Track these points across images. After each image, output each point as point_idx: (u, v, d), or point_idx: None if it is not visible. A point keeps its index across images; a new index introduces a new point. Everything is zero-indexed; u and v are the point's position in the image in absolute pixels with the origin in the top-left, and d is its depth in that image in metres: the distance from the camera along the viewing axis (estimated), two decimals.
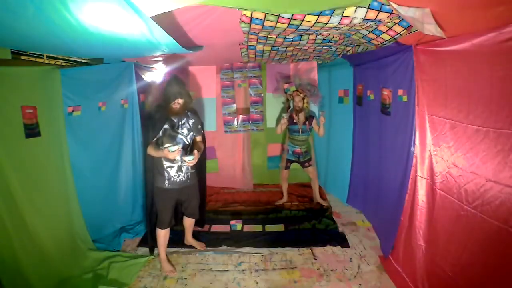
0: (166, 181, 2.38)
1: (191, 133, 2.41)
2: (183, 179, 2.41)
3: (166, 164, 2.36)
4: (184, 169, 2.39)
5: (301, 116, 3.36)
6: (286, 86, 3.47)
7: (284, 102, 3.61)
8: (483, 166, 1.57)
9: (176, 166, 2.37)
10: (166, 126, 2.32)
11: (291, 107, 3.47)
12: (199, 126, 2.48)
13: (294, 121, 3.40)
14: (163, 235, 2.49)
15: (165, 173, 2.37)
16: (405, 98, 2.34)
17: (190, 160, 2.22)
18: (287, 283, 2.33)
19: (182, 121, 2.38)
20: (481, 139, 1.58)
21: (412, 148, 2.21)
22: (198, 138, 2.50)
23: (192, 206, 2.60)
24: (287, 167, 3.65)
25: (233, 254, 2.71)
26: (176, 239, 2.95)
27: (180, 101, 2.25)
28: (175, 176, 2.38)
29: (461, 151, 1.74)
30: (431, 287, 2.00)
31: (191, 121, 2.42)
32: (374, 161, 3.06)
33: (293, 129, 3.44)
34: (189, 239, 2.83)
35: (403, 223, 2.37)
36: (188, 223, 2.74)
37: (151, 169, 2.45)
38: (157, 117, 2.33)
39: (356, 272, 2.44)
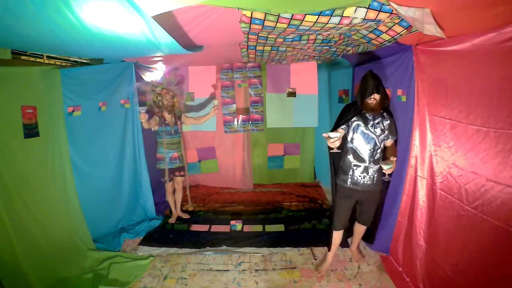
0: (349, 180, 2.24)
1: (383, 135, 2.19)
2: (367, 182, 2.21)
3: (353, 162, 2.21)
4: (370, 171, 2.19)
5: (172, 117, 3.12)
6: (154, 83, 3.18)
7: (152, 102, 3.13)
8: (484, 166, 1.57)
9: (363, 166, 2.19)
10: (358, 122, 2.18)
11: (161, 107, 3.09)
12: (395, 129, 2.25)
13: (166, 122, 3.08)
14: (335, 236, 2.41)
15: (350, 171, 2.23)
16: (403, 98, 2.34)
17: (389, 168, 2.00)
18: (287, 283, 2.33)
19: (377, 120, 2.17)
20: (481, 139, 1.58)
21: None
22: (391, 142, 2.25)
23: (367, 213, 2.38)
24: (171, 179, 3.20)
25: (233, 254, 2.71)
26: (176, 239, 2.96)
27: (377, 96, 2.07)
28: (359, 176, 2.21)
29: (461, 151, 1.74)
30: (432, 287, 2.00)
31: (385, 122, 2.19)
32: None
33: (166, 131, 3.08)
34: (352, 248, 2.66)
35: (400, 223, 2.38)
36: (359, 230, 2.52)
37: (335, 165, 2.42)
38: (351, 111, 2.22)
39: (356, 272, 2.44)
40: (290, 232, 3.07)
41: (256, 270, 2.49)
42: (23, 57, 2.40)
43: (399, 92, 2.39)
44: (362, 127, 2.17)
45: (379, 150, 2.20)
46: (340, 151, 2.20)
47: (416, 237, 2.16)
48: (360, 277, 2.37)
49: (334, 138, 2.00)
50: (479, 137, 1.60)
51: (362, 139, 2.18)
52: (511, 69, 1.38)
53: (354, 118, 2.21)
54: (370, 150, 2.17)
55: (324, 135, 2.03)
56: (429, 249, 2.06)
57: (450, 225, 1.84)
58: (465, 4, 1.32)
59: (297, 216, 3.39)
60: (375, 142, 2.17)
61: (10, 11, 1.19)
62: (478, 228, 1.61)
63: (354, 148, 2.21)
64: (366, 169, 2.19)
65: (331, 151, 2.15)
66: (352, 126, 2.21)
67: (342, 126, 2.23)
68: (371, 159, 2.18)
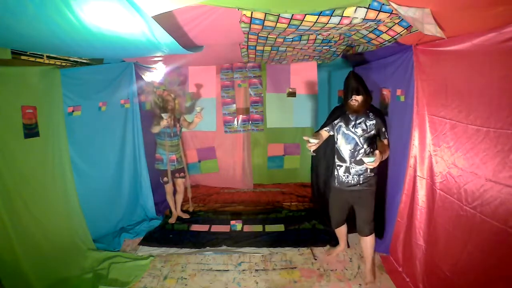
0: (336, 180, 2.29)
1: (366, 135, 2.14)
2: (352, 182, 2.19)
3: (337, 162, 2.27)
4: (352, 171, 2.18)
5: (172, 119, 3.08)
6: (155, 84, 3.18)
7: (154, 103, 3.14)
8: (483, 166, 1.57)
9: (344, 166, 2.21)
10: (340, 123, 2.21)
11: (163, 107, 3.07)
12: (383, 129, 2.18)
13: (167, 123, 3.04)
14: (337, 233, 2.59)
15: (335, 171, 2.28)
16: (402, 98, 2.34)
17: (371, 162, 1.86)
18: (287, 283, 2.33)
19: (359, 120, 2.16)
20: (481, 139, 1.58)
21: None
22: (384, 141, 2.20)
23: (360, 218, 2.24)
24: (171, 180, 3.22)
25: (233, 254, 2.71)
26: (176, 239, 2.96)
27: (358, 98, 2.07)
28: (343, 176, 2.22)
29: (461, 151, 1.74)
30: (431, 287, 2.00)
31: (369, 122, 2.15)
32: None
33: (166, 133, 3.07)
34: (366, 267, 2.32)
35: (400, 223, 2.38)
36: (363, 245, 2.30)
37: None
38: (336, 113, 2.28)
39: (356, 272, 2.44)
40: (290, 232, 3.07)
41: (256, 270, 2.49)
42: (23, 57, 2.39)
43: (398, 92, 2.39)
44: (343, 128, 2.20)
45: (361, 151, 2.16)
46: (314, 154, 2.20)
47: (415, 237, 2.16)
48: (360, 277, 2.37)
49: (313, 143, 2.02)
50: (479, 137, 1.60)
51: (343, 139, 2.20)
52: (511, 69, 1.38)
53: (338, 120, 2.24)
54: (350, 150, 2.17)
55: (305, 138, 2.04)
56: (428, 249, 2.06)
57: (449, 225, 1.84)
58: (465, 4, 1.32)
59: (297, 216, 3.39)
60: (356, 143, 2.16)
61: (10, 11, 1.19)
62: (477, 229, 1.61)
63: (338, 148, 2.25)
64: (347, 169, 2.21)
65: (308, 153, 2.16)
66: (336, 127, 2.25)
67: (325, 128, 2.29)
68: (352, 159, 2.18)
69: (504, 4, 1.20)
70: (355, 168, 2.19)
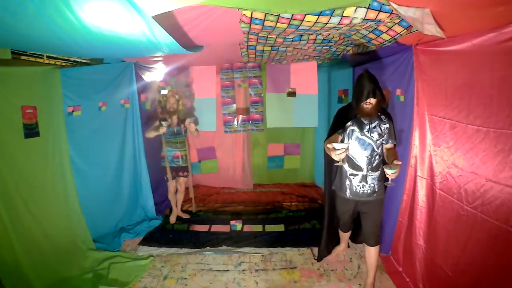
0: (348, 191, 2.09)
1: (382, 139, 2.00)
2: (367, 191, 2.04)
3: (349, 171, 2.06)
4: (369, 179, 2.02)
5: (174, 118, 3.13)
6: (161, 84, 3.20)
7: (158, 102, 3.20)
8: (483, 166, 1.57)
9: (361, 175, 2.03)
10: (353, 127, 2.01)
11: (164, 108, 3.14)
12: (394, 133, 2.05)
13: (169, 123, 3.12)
14: (342, 235, 2.60)
15: (347, 181, 2.08)
16: (402, 98, 2.34)
17: (393, 173, 1.76)
18: (287, 283, 2.33)
19: (373, 124, 1.98)
20: (481, 139, 1.58)
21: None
22: (390, 145, 2.03)
23: (367, 228, 2.14)
24: (173, 177, 3.25)
25: (233, 254, 2.71)
26: (176, 239, 2.96)
27: (373, 100, 1.88)
28: (358, 186, 2.05)
29: (461, 151, 1.74)
30: (431, 287, 2.00)
31: (384, 126, 1.99)
32: None
33: (168, 132, 3.13)
34: (368, 281, 2.17)
35: (401, 223, 2.38)
36: (369, 257, 2.15)
37: (331, 174, 2.27)
38: (344, 116, 2.09)
39: (356, 272, 2.44)
40: (290, 232, 3.07)
41: (256, 270, 2.49)
42: (23, 57, 2.39)
43: (398, 92, 2.40)
44: (357, 133, 2.00)
45: (377, 156, 2.01)
46: (343, 164, 2.05)
47: (415, 237, 2.16)
48: (360, 277, 2.37)
49: (341, 150, 1.77)
50: (478, 137, 1.60)
51: (358, 145, 2.01)
52: (511, 69, 1.38)
53: (349, 123, 2.04)
54: (367, 157, 1.99)
55: (329, 146, 1.79)
56: (428, 249, 2.06)
57: (449, 225, 1.84)
58: (465, 4, 1.32)
59: (297, 216, 3.39)
60: (373, 148, 1.99)
61: (10, 11, 1.19)
62: (477, 228, 1.61)
63: (350, 155, 2.03)
64: (364, 178, 2.03)
65: (335, 164, 2.00)
66: (347, 132, 2.04)
67: (338, 131, 2.07)
68: (369, 167, 2.01)
69: (504, 4, 1.20)
70: (371, 176, 2.02)
